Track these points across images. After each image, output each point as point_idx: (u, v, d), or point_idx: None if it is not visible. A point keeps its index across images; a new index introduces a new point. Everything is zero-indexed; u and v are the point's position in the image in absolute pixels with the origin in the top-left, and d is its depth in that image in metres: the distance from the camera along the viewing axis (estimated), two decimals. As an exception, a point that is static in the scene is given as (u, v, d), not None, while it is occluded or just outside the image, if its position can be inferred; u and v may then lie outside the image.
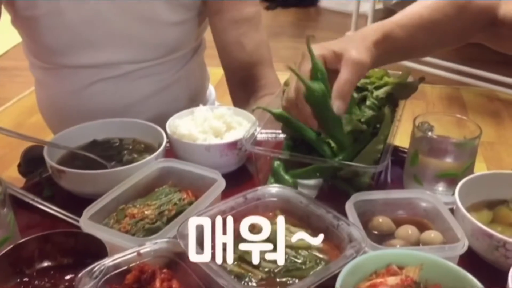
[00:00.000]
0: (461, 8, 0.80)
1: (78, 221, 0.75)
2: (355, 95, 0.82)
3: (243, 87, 1.10)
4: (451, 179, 0.79)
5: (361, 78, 0.73)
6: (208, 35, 1.18)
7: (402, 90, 0.87)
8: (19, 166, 1.21)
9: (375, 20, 3.25)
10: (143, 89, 1.08)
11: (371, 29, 0.76)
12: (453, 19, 0.80)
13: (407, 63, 2.70)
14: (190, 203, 0.74)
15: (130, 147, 0.91)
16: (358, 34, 0.75)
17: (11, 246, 0.62)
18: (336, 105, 0.68)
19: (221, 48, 1.09)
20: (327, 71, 0.71)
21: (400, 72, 0.90)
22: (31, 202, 0.80)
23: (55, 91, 1.10)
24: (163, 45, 1.06)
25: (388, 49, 0.75)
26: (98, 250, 0.62)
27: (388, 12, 3.72)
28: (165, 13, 1.01)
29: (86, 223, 0.68)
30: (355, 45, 0.71)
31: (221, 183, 0.76)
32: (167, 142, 0.87)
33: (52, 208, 0.79)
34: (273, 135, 0.94)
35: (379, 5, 3.48)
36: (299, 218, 0.71)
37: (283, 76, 1.12)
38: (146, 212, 0.72)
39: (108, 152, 0.89)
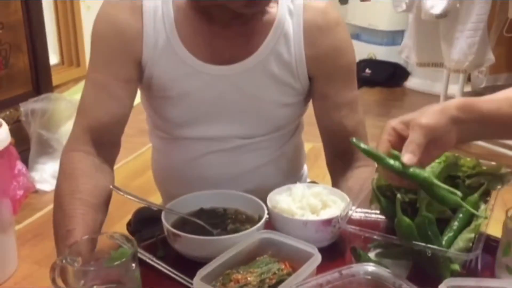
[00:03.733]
0: None
1: (187, 281, 0.85)
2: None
3: (341, 159, 1.19)
4: (545, 272, 0.80)
5: (429, 139, 0.78)
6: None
7: (495, 181, 0.91)
8: (128, 224, 1.33)
9: (463, 103, 3.26)
10: (249, 163, 1.19)
11: (453, 99, 0.83)
12: None
13: (499, 148, 2.65)
14: (289, 274, 0.81)
15: (233, 216, 1.00)
16: (438, 104, 0.82)
17: (136, 300, 0.72)
18: (406, 157, 0.76)
19: (323, 127, 1.20)
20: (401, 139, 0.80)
21: (493, 163, 0.93)
22: (148, 260, 0.90)
23: (170, 158, 1.22)
24: (271, 123, 1.17)
25: (475, 119, 0.79)
26: (209, 310, 0.69)
27: (477, 95, 3.67)
28: (278, 96, 1.13)
29: (199, 284, 0.76)
30: (427, 112, 0.79)
31: (318, 258, 0.82)
32: (267, 215, 0.96)
33: (166, 268, 0.89)
34: (365, 214, 0.99)
35: (468, 88, 3.47)
36: (391, 298, 0.75)
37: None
38: (249, 279, 0.79)
39: (213, 220, 0.99)
